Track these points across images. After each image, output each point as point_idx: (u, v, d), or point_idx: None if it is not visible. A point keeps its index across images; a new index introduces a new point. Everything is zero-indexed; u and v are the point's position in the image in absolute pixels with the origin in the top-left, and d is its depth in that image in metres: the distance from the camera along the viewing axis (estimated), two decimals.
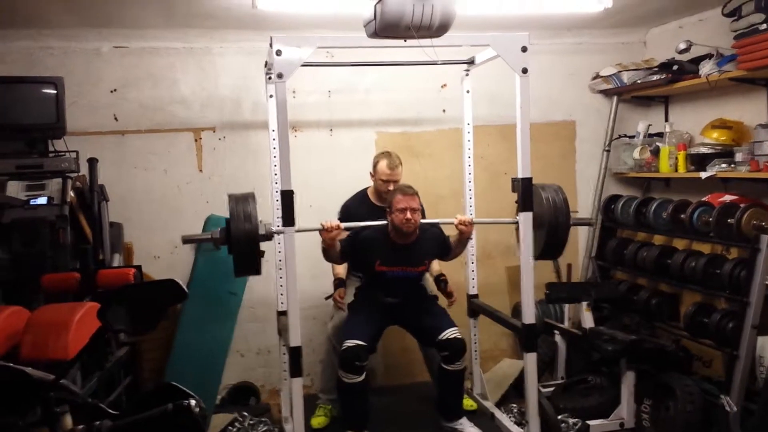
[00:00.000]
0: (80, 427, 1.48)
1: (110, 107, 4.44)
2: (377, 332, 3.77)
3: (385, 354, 4.70)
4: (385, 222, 3.64)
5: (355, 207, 4.09)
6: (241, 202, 3.14)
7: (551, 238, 3.46)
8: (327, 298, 4.27)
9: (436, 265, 4.09)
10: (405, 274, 3.70)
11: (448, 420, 3.85)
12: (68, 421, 1.51)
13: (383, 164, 3.97)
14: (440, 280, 4.08)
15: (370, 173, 4.11)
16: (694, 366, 4.23)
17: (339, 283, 4.11)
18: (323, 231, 3.39)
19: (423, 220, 3.65)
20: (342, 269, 4.12)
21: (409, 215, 3.50)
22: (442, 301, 4.03)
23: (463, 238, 3.67)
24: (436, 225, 3.80)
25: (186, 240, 3.34)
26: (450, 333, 3.68)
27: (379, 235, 3.66)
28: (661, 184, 4.94)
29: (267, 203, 3.95)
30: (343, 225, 3.48)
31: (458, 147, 4.18)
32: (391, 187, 3.90)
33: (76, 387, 1.78)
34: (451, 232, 3.74)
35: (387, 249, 3.64)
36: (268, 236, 3.23)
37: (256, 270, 3.25)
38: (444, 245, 3.77)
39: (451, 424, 3.85)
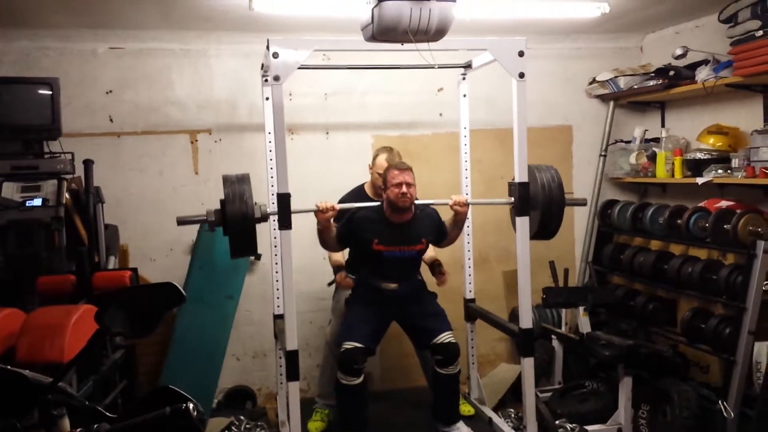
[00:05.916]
0: (78, 430, 1.47)
1: (106, 108, 4.42)
2: (377, 332, 3.73)
3: (382, 358, 4.69)
4: (379, 203, 3.63)
5: (352, 201, 4.03)
6: (236, 184, 3.11)
7: (545, 217, 3.42)
8: (330, 283, 4.20)
9: (431, 252, 4.01)
10: (402, 254, 3.63)
11: (444, 425, 3.83)
12: (66, 424, 1.50)
13: (382, 158, 3.92)
14: (435, 266, 3.97)
15: (369, 166, 4.06)
16: (691, 371, 4.24)
17: (339, 268, 4.01)
18: (318, 212, 3.36)
19: (417, 201, 3.62)
20: (340, 257, 4.05)
21: (404, 189, 3.47)
22: (437, 290, 3.96)
23: (458, 219, 3.62)
24: (430, 206, 3.75)
25: (181, 221, 3.26)
26: (444, 337, 3.65)
27: (375, 215, 3.63)
28: (657, 189, 4.95)
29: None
30: (338, 206, 3.43)
31: (455, 151, 4.17)
32: None
33: (73, 390, 1.77)
34: (445, 215, 3.70)
35: (383, 228, 3.60)
36: (264, 217, 3.19)
37: (253, 251, 3.21)
38: (440, 226, 3.73)
39: (448, 428, 3.82)
